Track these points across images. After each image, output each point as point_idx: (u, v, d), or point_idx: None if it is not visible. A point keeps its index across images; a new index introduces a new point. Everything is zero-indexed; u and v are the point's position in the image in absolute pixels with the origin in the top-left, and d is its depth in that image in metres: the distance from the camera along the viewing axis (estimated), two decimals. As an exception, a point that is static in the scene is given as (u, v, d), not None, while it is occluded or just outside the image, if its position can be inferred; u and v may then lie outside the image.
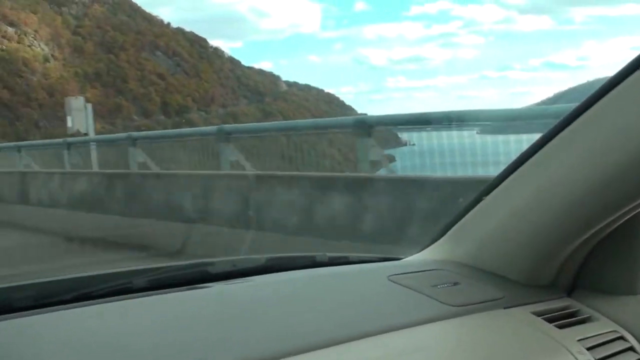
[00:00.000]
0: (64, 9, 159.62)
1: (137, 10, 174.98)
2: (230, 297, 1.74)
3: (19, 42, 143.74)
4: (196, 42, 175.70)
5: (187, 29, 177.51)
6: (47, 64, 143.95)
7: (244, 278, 1.85)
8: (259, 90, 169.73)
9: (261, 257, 2.03)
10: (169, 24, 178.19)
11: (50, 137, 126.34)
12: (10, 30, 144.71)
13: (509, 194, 1.76)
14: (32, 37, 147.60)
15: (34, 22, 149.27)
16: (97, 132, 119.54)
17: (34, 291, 1.64)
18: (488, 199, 1.83)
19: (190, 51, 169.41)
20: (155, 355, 1.34)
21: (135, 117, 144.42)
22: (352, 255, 2.17)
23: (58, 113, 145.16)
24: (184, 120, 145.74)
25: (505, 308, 1.71)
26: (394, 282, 1.81)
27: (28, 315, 1.49)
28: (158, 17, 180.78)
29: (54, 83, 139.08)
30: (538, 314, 1.69)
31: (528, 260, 1.80)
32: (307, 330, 1.47)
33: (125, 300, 1.65)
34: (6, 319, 1.46)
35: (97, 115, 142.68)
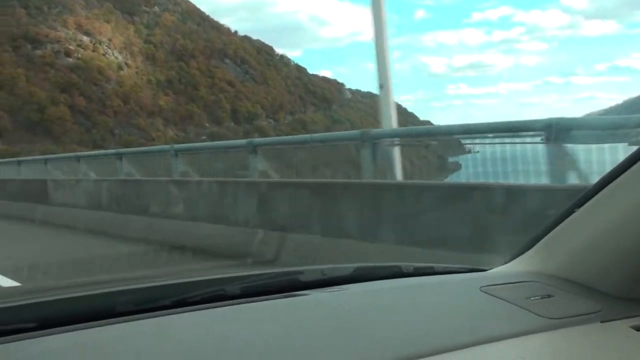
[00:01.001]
0: (135, 18, 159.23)
1: (206, 19, 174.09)
2: (326, 305, 1.74)
3: (93, 51, 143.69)
4: (263, 50, 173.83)
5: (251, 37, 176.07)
6: (121, 72, 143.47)
7: (334, 287, 1.85)
8: (326, 97, 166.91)
9: (349, 266, 2.04)
10: (236, 32, 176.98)
11: (125, 145, 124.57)
12: (86, 39, 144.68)
13: (604, 206, 1.71)
14: (106, 46, 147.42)
15: (108, 31, 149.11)
16: (170, 139, 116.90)
17: (135, 296, 1.70)
18: (581, 210, 1.78)
19: (258, 59, 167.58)
20: None
21: (206, 125, 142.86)
22: (438, 265, 2.15)
23: (132, 120, 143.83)
24: (253, 128, 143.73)
25: (602, 322, 1.63)
26: (486, 293, 1.78)
27: (129, 321, 1.54)
28: (225, 26, 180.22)
29: (128, 91, 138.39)
30: (638, 329, 1.59)
31: (626, 274, 1.73)
32: (403, 341, 1.46)
33: (220, 308, 1.67)
34: (109, 324, 1.51)
35: (170, 122, 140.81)
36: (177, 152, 12.46)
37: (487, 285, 1.81)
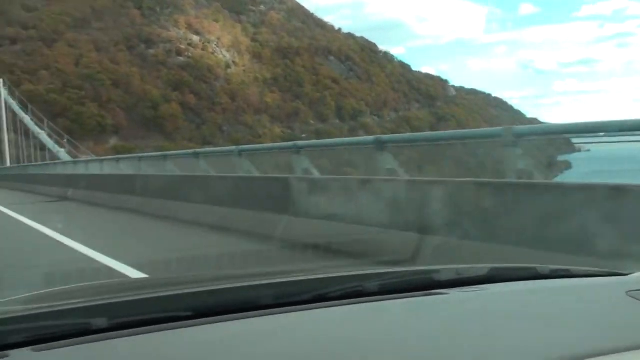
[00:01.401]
0: (242, 17, 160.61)
1: (310, 17, 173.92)
2: (465, 305, 1.72)
3: (203, 50, 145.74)
4: (366, 47, 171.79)
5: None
6: (229, 70, 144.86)
7: (471, 287, 1.83)
8: (430, 94, 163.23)
9: (485, 267, 2.00)
10: (340, 29, 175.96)
11: (234, 142, 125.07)
12: (195, 38, 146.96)
13: None
14: (215, 45, 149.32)
15: (217, 30, 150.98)
16: (277, 136, 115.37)
17: (277, 290, 1.72)
18: None
19: (361, 56, 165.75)
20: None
21: (311, 122, 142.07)
22: (574, 268, 2.08)
23: (240, 117, 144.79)
24: (358, 125, 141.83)
25: None
26: (634, 297, 1.70)
27: (272, 314, 1.56)
28: (329, 24, 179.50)
29: (236, 88, 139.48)
30: None
31: None
32: (547, 345, 1.42)
33: (358, 304, 1.66)
34: (253, 316, 1.55)
35: (276, 119, 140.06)
36: (299, 150, 11.60)
37: (636, 290, 1.70)
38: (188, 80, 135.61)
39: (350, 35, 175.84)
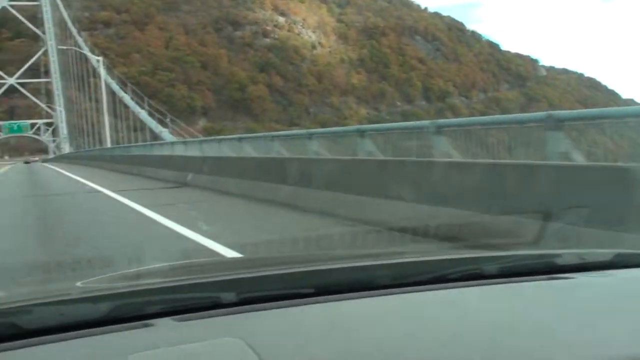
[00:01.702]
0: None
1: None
2: (594, 290, 1.65)
3: (289, 31, 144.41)
4: (453, 26, 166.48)
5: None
6: (315, 51, 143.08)
7: (596, 271, 1.75)
8: (520, 74, 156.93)
9: (610, 252, 1.90)
10: (426, 8, 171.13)
11: (320, 123, 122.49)
12: (281, 19, 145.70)
13: None
14: (301, 26, 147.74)
15: (302, 11, 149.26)
16: (362, 118, 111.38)
17: (394, 271, 1.73)
18: None
19: (449, 35, 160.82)
20: (528, 343, 1.28)
21: (398, 103, 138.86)
22: None
23: (326, 99, 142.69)
24: (445, 106, 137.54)
25: None
26: None
27: (388, 294, 1.56)
28: (415, 3, 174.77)
29: (322, 70, 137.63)
30: None
31: None
32: None
33: (476, 287, 1.63)
34: (368, 296, 1.54)
35: (362, 100, 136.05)
36: (439, 129, 10.03)
37: None
38: (274, 61, 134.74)
39: (436, 14, 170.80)
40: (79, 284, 1.84)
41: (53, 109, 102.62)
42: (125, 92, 69.48)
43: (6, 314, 1.38)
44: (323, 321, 1.41)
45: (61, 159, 72.85)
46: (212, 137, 25.88)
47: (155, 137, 59.26)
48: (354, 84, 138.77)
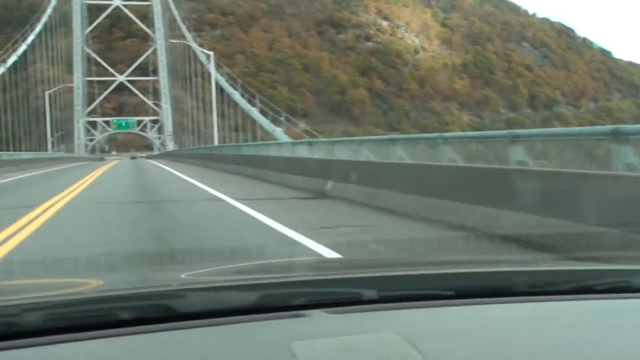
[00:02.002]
0: (432, 1, 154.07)
1: (503, 1, 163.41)
2: None
3: (391, 35, 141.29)
4: (563, 33, 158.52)
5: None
6: (418, 56, 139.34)
7: None
8: (634, 83, 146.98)
9: None
10: (534, 14, 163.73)
11: (421, 129, 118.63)
12: (385, 24, 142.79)
13: None
14: (404, 30, 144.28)
15: (406, 15, 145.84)
16: (465, 124, 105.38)
17: (531, 278, 1.67)
18: None
19: (558, 42, 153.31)
20: None
21: (502, 110, 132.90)
22: None
23: (427, 104, 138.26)
24: (552, 115, 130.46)
25: None
26: None
27: (526, 302, 1.52)
28: (523, 8, 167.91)
29: (424, 74, 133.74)
30: None
31: None
32: None
33: (625, 300, 1.54)
34: (505, 302, 1.51)
35: (464, 107, 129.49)
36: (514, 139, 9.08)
37: None
38: (376, 65, 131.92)
39: (545, 20, 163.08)
40: (225, 275, 1.86)
41: (159, 107, 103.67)
42: (235, 89, 66.52)
43: (159, 297, 1.43)
44: (462, 324, 1.38)
45: (165, 156, 72.60)
46: (348, 138, 22.99)
47: (258, 137, 56.89)
48: (456, 90, 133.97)
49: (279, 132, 45.43)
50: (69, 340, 1.25)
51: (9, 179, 25.96)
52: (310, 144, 19.93)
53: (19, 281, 2.91)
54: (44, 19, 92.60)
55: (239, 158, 26.42)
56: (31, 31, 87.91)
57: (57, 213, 11.17)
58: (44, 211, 11.25)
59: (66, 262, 6.01)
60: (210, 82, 48.62)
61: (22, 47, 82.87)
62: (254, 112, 56.64)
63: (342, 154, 15.63)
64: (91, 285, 1.86)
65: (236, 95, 63.44)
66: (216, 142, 47.39)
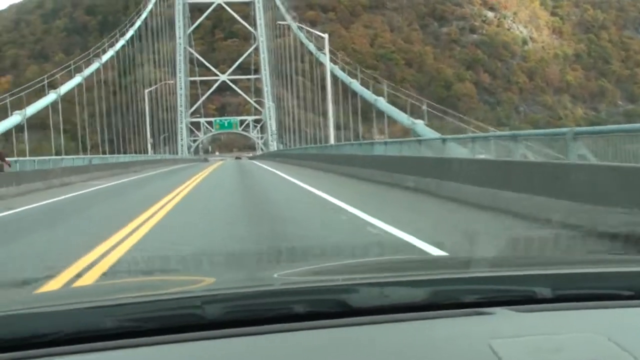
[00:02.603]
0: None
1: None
2: None
3: (498, 26, 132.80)
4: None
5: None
6: (526, 47, 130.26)
7: None
8: None
9: None
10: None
11: (531, 123, 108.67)
12: (490, 14, 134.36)
13: None
14: (511, 20, 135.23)
15: (513, 5, 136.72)
16: (579, 118, 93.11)
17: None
18: None
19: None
20: None
21: (620, 102, 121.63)
22: None
23: (537, 97, 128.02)
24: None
25: None
26: None
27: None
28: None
29: (533, 66, 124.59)
30: None
31: None
32: None
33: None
34: (613, 307, 1.42)
35: (577, 99, 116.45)
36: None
37: None
38: (482, 58, 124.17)
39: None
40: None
41: (261, 106, 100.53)
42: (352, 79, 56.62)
43: (334, 291, 1.41)
44: (562, 327, 1.29)
45: (269, 156, 68.80)
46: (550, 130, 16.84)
47: (384, 132, 50.00)
48: (569, 82, 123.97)
49: (420, 125, 34.19)
50: (249, 334, 1.23)
51: (92, 189, 22.07)
52: (473, 140, 14.41)
53: (153, 277, 2.89)
54: (145, 22, 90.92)
55: (375, 161, 20.86)
56: (137, 37, 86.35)
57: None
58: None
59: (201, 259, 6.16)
60: (319, 73, 42.18)
61: (120, 43, 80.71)
62: (381, 102, 47.06)
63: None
64: (267, 280, 1.82)
65: (356, 84, 54.86)
66: (332, 141, 41.52)
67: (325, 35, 44.16)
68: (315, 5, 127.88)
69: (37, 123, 59.05)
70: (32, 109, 47.29)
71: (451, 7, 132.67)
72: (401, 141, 21.68)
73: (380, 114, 48.92)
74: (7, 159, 24.22)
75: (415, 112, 41.97)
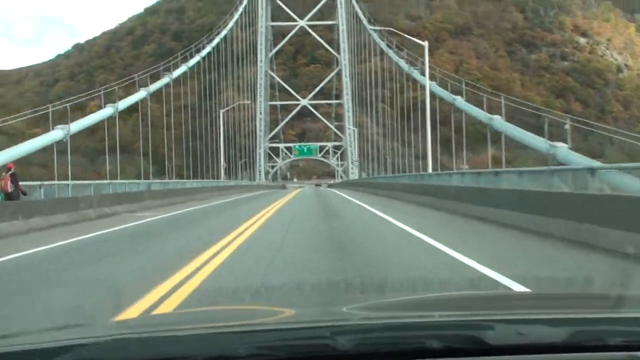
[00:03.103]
0: (636, 15, 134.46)
1: None
2: None
3: (590, 53, 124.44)
4: None
5: None
6: (621, 75, 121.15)
7: None
8: None
9: None
10: None
11: (626, 155, 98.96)
12: (582, 40, 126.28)
13: None
14: (605, 47, 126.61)
15: (607, 31, 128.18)
16: None
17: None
18: None
19: None
20: None
21: None
22: None
23: (634, 128, 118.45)
24: None
25: None
26: None
27: None
28: None
29: (629, 95, 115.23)
30: None
31: None
32: None
33: None
34: None
35: None
36: None
37: None
38: (573, 85, 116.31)
39: None
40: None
41: (342, 133, 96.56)
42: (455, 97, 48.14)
43: (468, 327, 1.36)
44: None
45: (351, 185, 64.41)
46: None
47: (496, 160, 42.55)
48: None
49: (563, 149, 23.59)
50: None
51: (131, 224, 17.67)
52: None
53: (244, 306, 2.90)
54: (227, 46, 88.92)
55: (507, 197, 15.11)
56: (221, 64, 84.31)
57: None
58: None
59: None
60: (406, 98, 37.17)
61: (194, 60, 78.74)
62: (497, 121, 36.41)
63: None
64: (377, 311, 1.78)
65: (460, 101, 46.06)
66: (430, 169, 36.55)
67: (425, 43, 39.49)
68: (398, 30, 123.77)
69: (121, 145, 57.22)
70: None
71: (541, 32, 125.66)
72: (552, 170, 16.03)
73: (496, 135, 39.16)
74: (20, 182, 18.97)
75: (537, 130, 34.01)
